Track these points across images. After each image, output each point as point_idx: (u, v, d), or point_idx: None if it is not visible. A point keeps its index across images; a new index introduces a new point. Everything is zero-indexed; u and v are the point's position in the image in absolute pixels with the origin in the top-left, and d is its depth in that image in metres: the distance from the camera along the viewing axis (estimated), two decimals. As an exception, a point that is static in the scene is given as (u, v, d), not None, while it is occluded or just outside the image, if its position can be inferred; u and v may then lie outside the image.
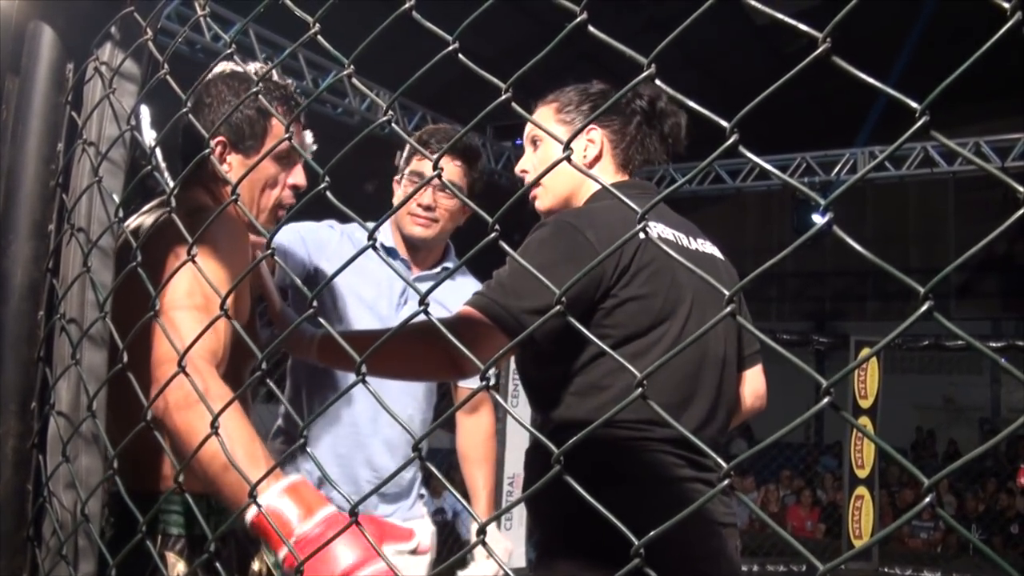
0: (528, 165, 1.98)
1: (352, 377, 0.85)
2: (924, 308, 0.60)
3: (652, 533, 0.62)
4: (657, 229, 1.78)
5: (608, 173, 1.92)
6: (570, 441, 0.65)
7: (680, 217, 1.93)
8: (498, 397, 0.71)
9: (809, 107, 10.52)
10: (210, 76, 1.66)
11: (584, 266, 1.60)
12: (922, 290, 0.61)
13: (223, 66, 1.69)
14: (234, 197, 0.87)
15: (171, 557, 1.50)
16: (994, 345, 8.42)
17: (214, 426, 1.04)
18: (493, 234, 0.74)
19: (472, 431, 2.65)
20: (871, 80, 0.67)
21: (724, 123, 0.66)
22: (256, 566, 1.64)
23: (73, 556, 1.26)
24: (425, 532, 2.62)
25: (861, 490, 7.10)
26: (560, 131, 1.91)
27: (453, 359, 1.60)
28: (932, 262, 14.14)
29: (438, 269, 2.56)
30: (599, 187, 1.87)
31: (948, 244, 14.47)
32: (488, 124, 7.65)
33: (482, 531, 0.67)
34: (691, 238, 1.88)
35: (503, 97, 0.75)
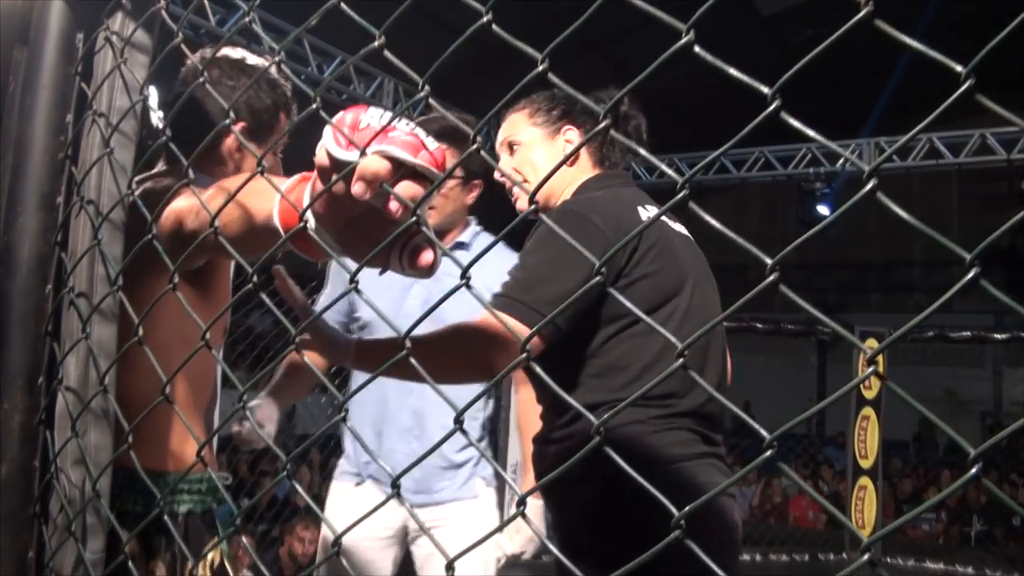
0: (507, 170, 2.03)
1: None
2: (971, 275, 0.58)
3: (688, 508, 0.61)
4: (650, 211, 1.85)
5: (586, 171, 2.00)
6: (609, 412, 0.63)
7: (655, 202, 1.98)
8: (539, 370, 0.69)
9: (814, 97, 10.48)
10: (218, 56, 1.68)
11: (596, 250, 1.64)
12: (968, 256, 0.59)
13: (229, 51, 1.72)
14: (260, 169, 0.86)
15: (124, 534, 1.49)
16: (998, 337, 8.40)
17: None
18: (533, 206, 0.72)
19: (529, 402, 2.66)
20: (916, 44, 0.64)
21: (765, 89, 0.64)
22: (211, 555, 1.62)
23: (82, 533, 1.24)
24: (470, 512, 2.61)
25: (864, 480, 7.07)
26: (536, 133, 2.00)
27: (487, 363, 1.63)
28: (935, 254, 14.12)
29: (450, 246, 2.57)
30: (581, 183, 1.96)
31: (951, 236, 14.23)
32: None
33: (522, 502, 0.66)
34: (671, 221, 1.95)
35: (540, 68, 0.73)
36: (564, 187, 1.98)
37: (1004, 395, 14.72)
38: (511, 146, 2.03)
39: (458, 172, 2.50)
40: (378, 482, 2.58)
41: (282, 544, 5.76)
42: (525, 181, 1.98)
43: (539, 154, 1.98)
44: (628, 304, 0.66)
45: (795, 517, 9.25)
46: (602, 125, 0.69)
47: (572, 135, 1.99)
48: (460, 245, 2.62)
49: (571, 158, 1.94)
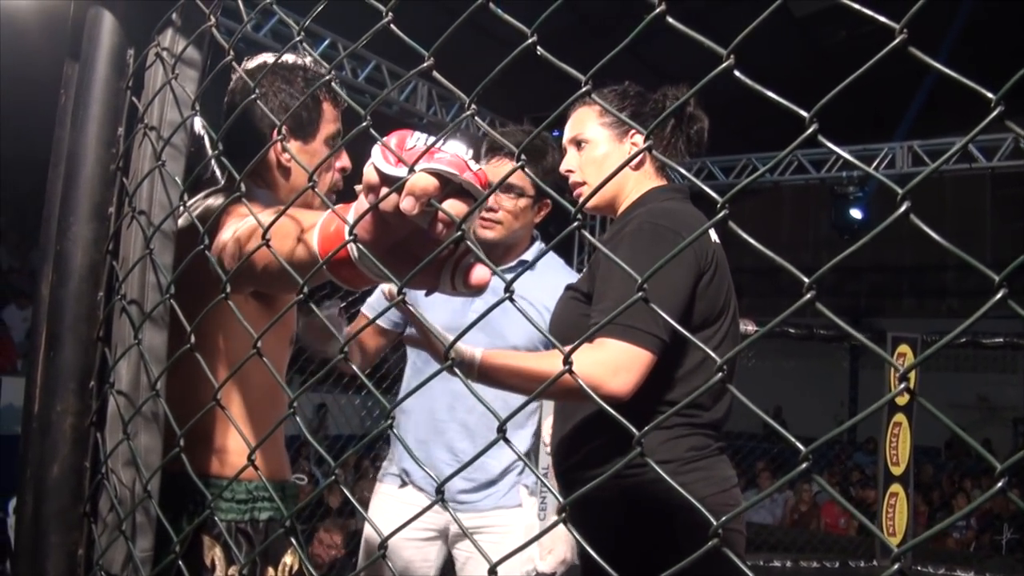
0: (573, 165, 2.07)
1: (431, 367, 0.85)
2: (999, 295, 0.60)
3: (724, 518, 0.63)
4: (711, 232, 1.92)
5: (650, 176, 2.04)
6: (649, 426, 0.66)
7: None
8: (581, 381, 0.71)
9: (847, 102, 10.39)
10: (251, 66, 1.70)
11: (687, 266, 1.79)
12: (997, 277, 0.61)
13: (262, 57, 1.74)
14: (311, 184, 0.89)
15: (207, 540, 1.53)
16: (1032, 344, 8.32)
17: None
18: (575, 223, 0.75)
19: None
20: (947, 70, 0.67)
21: (803, 113, 0.66)
22: (288, 559, 1.65)
23: (131, 531, 1.28)
24: (513, 519, 2.61)
25: (896, 487, 7.04)
26: (604, 135, 2.03)
27: (611, 392, 1.67)
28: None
29: (514, 263, 2.59)
30: (646, 191, 2.00)
31: (984, 241, 14.27)
32: (526, 115, 7.66)
33: (563, 510, 0.68)
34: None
35: (584, 89, 0.76)
36: (629, 190, 2.02)
37: (1037, 402, 14.52)
38: (579, 144, 2.06)
39: (530, 191, 2.50)
40: (419, 488, 2.60)
41: (311, 545, 5.82)
42: (584, 184, 2.02)
43: (605, 156, 2.01)
44: (678, 324, 0.69)
45: (826, 524, 9.20)
46: (645, 146, 0.71)
47: (639, 139, 2.01)
48: (522, 263, 2.60)
49: (637, 162, 2.00)
